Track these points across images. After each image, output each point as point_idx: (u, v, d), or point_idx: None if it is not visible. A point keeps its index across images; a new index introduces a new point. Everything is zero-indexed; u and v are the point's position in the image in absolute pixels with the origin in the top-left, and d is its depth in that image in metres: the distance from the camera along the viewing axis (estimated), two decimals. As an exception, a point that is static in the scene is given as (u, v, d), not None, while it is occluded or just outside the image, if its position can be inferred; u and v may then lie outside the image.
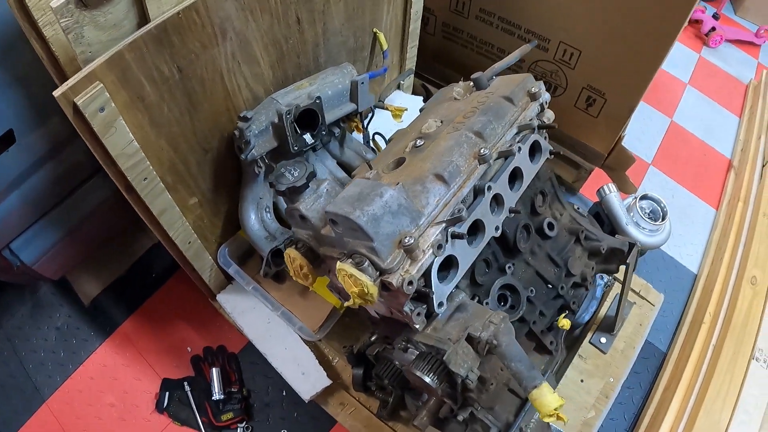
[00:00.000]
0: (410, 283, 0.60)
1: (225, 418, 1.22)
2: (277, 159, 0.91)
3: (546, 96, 0.84)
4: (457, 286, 0.76)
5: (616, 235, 1.02)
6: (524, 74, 0.83)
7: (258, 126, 0.90)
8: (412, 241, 0.61)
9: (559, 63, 1.34)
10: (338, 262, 0.62)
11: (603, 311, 1.22)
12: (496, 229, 0.75)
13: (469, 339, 0.69)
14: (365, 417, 1.10)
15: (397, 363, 0.79)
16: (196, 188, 0.98)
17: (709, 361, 1.27)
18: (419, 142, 0.77)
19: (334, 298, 1.07)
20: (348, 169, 1.09)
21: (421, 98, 1.39)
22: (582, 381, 1.14)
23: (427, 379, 0.68)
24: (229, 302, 1.20)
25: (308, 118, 0.94)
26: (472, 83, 0.88)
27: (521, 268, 0.91)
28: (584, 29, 1.23)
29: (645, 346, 1.40)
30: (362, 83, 1.00)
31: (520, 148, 0.77)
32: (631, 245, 0.98)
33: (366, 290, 0.60)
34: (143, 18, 0.77)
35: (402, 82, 1.39)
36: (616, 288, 1.26)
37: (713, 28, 2.27)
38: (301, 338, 1.13)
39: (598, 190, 1.40)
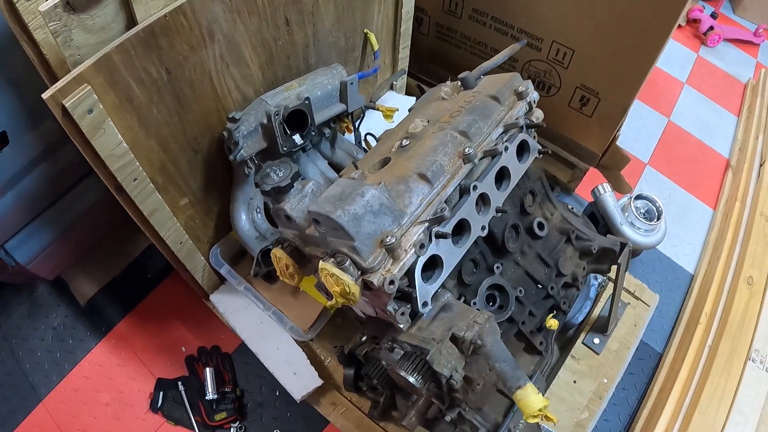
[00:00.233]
0: (392, 282, 0.61)
1: (218, 418, 1.22)
2: (267, 160, 0.91)
3: (534, 95, 0.84)
4: (443, 286, 0.76)
5: (608, 235, 1.01)
6: (511, 73, 0.83)
7: (247, 127, 0.90)
8: (394, 240, 0.61)
9: (552, 62, 1.34)
10: (320, 261, 0.63)
11: (597, 312, 1.22)
12: (483, 228, 0.75)
13: (454, 339, 0.69)
14: (357, 417, 1.10)
15: (383, 363, 0.79)
16: (186, 189, 0.99)
17: (705, 361, 1.27)
18: (405, 142, 0.77)
19: (324, 299, 1.07)
20: (339, 169, 1.10)
21: (415, 99, 1.39)
22: (575, 382, 1.14)
23: (411, 379, 0.68)
24: (222, 302, 1.20)
25: (297, 118, 0.94)
26: (460, 83, 0.88)
27: (510, 268, 0.90)
28: (577, 28, 1.23)
29: (640, 346, 1.39)
30: (352, 84, 1.00)
31: (507, 148, 0.77)
32: (623, 245, 0.98)
33: (348, 289, 0.61)
34: (131, 21, 0.78)
35: (395, 82, 1.40)
36: (611, 288, 1.25)
37: (711, 27, 2.26)
38: (293, 338, 1.13)
39: (593, 189, 1.40)
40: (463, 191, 0.73)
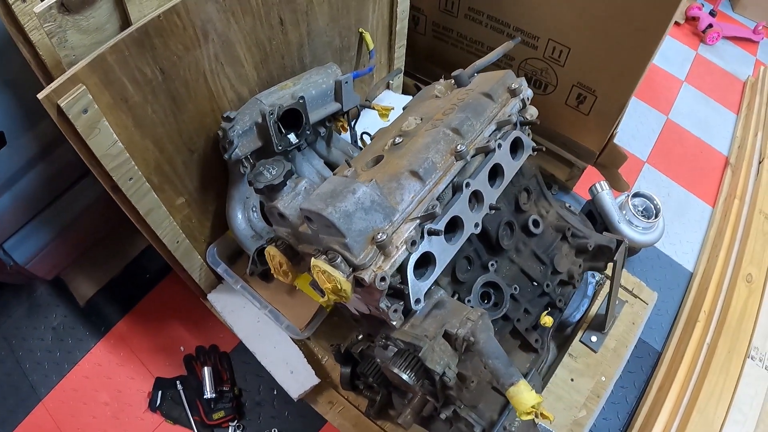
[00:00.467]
0: (383, 279, 0.61)
1: (216, 417, 1.23)
2: (262, 159, 0.92)
3: (527, 92, 0.84)
4: (437, 284, 0.76)
5: (605, 232, 1.01)
6: (504, 70, 0.83)
7: (242, 126, 0.91)
8: (385, 237, 0.61)
9: (548, 61, 1.34)
10: (312, 259, 0.63)
11: (594, 310, 1.21)
12: (476, 226, 0.75)
13: (447, 336, 0.69)
14: (354, 416, 1.10)
15: (378, 360, 0.79)
16: (182, 188, 0.99)
17: (704, 359, 1.26)
18: (398, 140, 0.78)
19: (319, 297, 1.07)
20: (335, 168, 1.10)
21: (411, 98, 1.39)
22: (572, 380, 1.14)
23: (404, 377, 0.68)
24: (220, 301, 1.21)
25: (292, 117, 0.95)
26: (453, 81, 0.88)
27: (505, 266, 0.90)
28: (572, 26, 1.23)
29: (639, 344, 1.39)
30: (346, 83, 1.00)
31: (500, 145, 0.77)
32: (619, 242, 0.97)
33: (339, 286, 0.61)
34: (125, 21, 0.78)
35: (391, 81, 1.40)
36: (608, 286, 1.24)
37: (710, 25, 2.25)
38: (290, 337, 1.13)
39: (590, 187, 1.40)
40: (456, 188, 0.73)
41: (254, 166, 0.96)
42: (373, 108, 1.18)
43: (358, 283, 0.62)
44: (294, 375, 1.10)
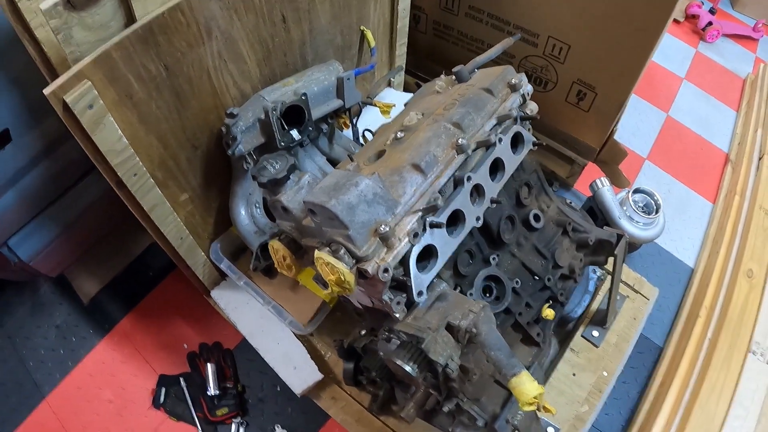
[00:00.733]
0: (386, 270, 0.61)
1: (220, 413, 1.23)
2: (265, 154, 0.92)
3: (528, 87, 0.85)
4: (439, 277, 0.76)
5: (605, 227, 1.02)
6: (504, 66, 0.84)
7: (245, 122, 0.92)
8: (387, 229, 0.62)
9: (548, 58, 1.35)
10: (316, 251, 0.63)
11: (596, 305, 1.22)
12: (477, 219, 0.75)
13: (449, 328, 0.69)
14: (357, 411, 1.10)
15: (381, 354, 0.79)
16: (186, 184, 1.00)
17: (705, 355, 1.26)
18: (400, 135, 0.78)
19: (323, 292, 1.08)
20: (337, 165, 1.11)
21: (412, 95, 1.40)
22: (574, 375, 1.14)
23: (408, 368, 0.69)
24: (223, 298, 1.21)
25: (295, 114, 0.96)
26: (454, 77, 0.89)
27: (506, 260, 0.91)
28: (572, 24, 1.24)
29: (641, 340, 1.39)
30: (348, 80, 1.01)
31: (501, 139, 0.78)
32: (619, 236, 0.98)
33: (343, 278, 0.61)
34: (130, 18, 0.79)
35: (392, 79, 1.41)
36: (609, 281, 1.25)
37: (710, 23, 2.26)
38: (293, 333, 1.14)
39: (591, 184, 1.40)
40: (458, 182, 0.73)
41: (257, 162, 0.97)
42: (375, 105, 1.19)
43: (361, 274, 0.63)
44: (297, 371, 1.10)
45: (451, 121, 0.75)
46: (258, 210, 1.05)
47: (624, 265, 1.11)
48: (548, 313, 0.88)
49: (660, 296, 1.32)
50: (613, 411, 1.32)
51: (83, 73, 0.73)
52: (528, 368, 0.79)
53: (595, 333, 1.18)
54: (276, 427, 1.23)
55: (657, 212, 1.40)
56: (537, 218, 0.94)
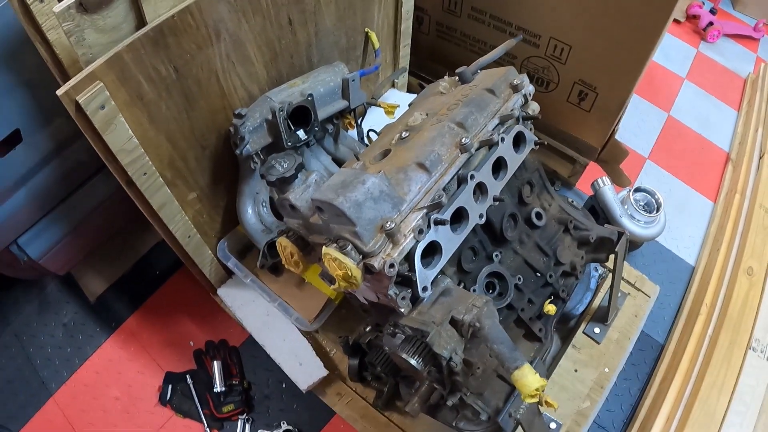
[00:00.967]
0: (392, 265, 0.63)
1: (226, 410, 1.25)
2: (273, 154, 0.94)
3: (529, 88, 0.86)
4: (443, 273, 0.78)
5: (606, 225, 1.03)
6: (507, 67, 0.86)
7: (252, 123, 0.93)
8: (393, 225, 0.63)
9: (550, 59, 1.36)
10: (323, 247, 0.65)
11: (597, 302, 1.23)
12: (480, 216, 0.77)
13: (453, 322, 0.71)
14: (362, 407, 1.12)
15: (386, 348, 0.81)
16: (194, 183, 1.02)
17: (706, 351, 1.28)
18: (404, 134, 0.80)
19: (329, 289, 1.09)
20: (342, 164, 1.12)
21: (416, 96, 1.42)
22: (576, 371, 1.15)
23: (413, 362, 0.70)
24: (229, 296, 1.23)
25: (301, 114, 0.97)
26: (457, 78, 0.91)
27: (509, 257, 0.92)
28: (573, 24, 1.25)
29: (642, 338, 1.40)
30: (353, 81, 1.03)
31: (503, 139, 0.79)
32: (620, 234, 0.99)
33: (350, 273, 0.63)
34: (141, 21, 0.81)
35: (396, 80, 1.43)
36: (611, 279, 1.26)
37: (711, 23, 2.27)
38: (299, 329, 1.16)
39: (592, 183, 1.42)
40: (461, 180, 0.75)
41: (264, 162, 0.99)
42: (379, 105, 1.21)
43: (367, 270, 0.65)
44: (303, 367, 1.12)
45: (455, 120, 0.76)
46: (265, 209, 1.07)
47: (625, 262, 1.12)
48: (550, 308, 0.90)
49: (661, 294, 1.33)
50: (614, 407, 1.33)
51: (95, 74, 0.74)
52: (531, 363, 0.81)
53: (597, 330, 1.19)
54: (282, 423, 1.25)
55: (658, 211, 1.41)
56: (539, 216, 0.96)
